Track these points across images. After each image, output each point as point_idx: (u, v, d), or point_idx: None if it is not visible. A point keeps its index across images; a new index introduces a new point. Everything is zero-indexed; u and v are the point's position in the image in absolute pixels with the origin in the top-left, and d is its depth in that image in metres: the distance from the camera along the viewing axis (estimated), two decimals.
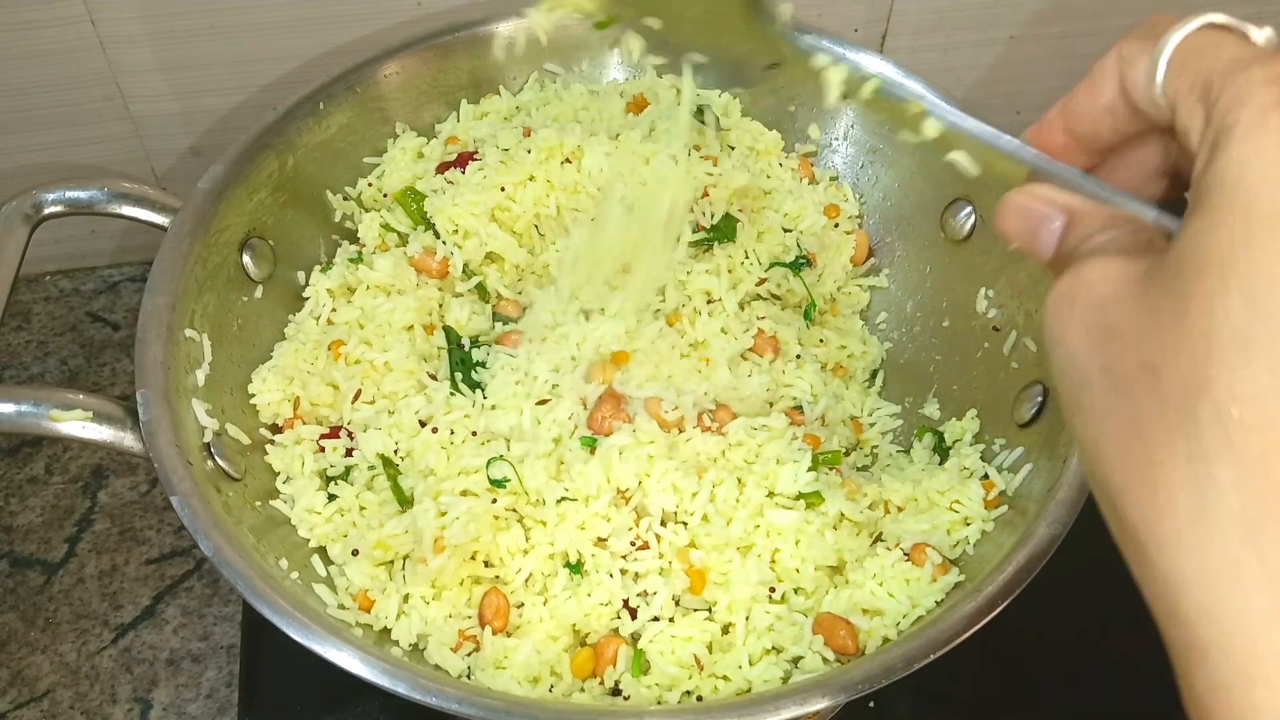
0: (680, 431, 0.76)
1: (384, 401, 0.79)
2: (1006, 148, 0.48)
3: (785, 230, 0.90)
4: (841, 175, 0.95)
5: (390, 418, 0.77)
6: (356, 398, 0.79)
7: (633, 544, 0.72)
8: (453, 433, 0.76)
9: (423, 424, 0.77)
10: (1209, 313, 0.33)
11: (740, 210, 0.88)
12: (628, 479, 0.72)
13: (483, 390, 0.78)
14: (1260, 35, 0.38)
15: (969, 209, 0.87)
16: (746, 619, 0.70)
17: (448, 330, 0.83)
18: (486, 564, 0.72)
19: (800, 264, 0.89)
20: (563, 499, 0.72)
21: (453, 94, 0.93)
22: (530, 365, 0.78)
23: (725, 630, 0.70)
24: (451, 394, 0.78)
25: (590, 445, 0.74)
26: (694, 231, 0.85)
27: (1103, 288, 0.38)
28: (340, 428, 0.79)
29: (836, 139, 0.94)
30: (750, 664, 0.68)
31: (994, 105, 1.15)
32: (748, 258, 0.87)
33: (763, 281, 0.88)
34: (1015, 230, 0.45)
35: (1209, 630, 0.33)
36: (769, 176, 0.93)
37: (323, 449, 0.77)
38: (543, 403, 0.76)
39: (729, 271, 0.86)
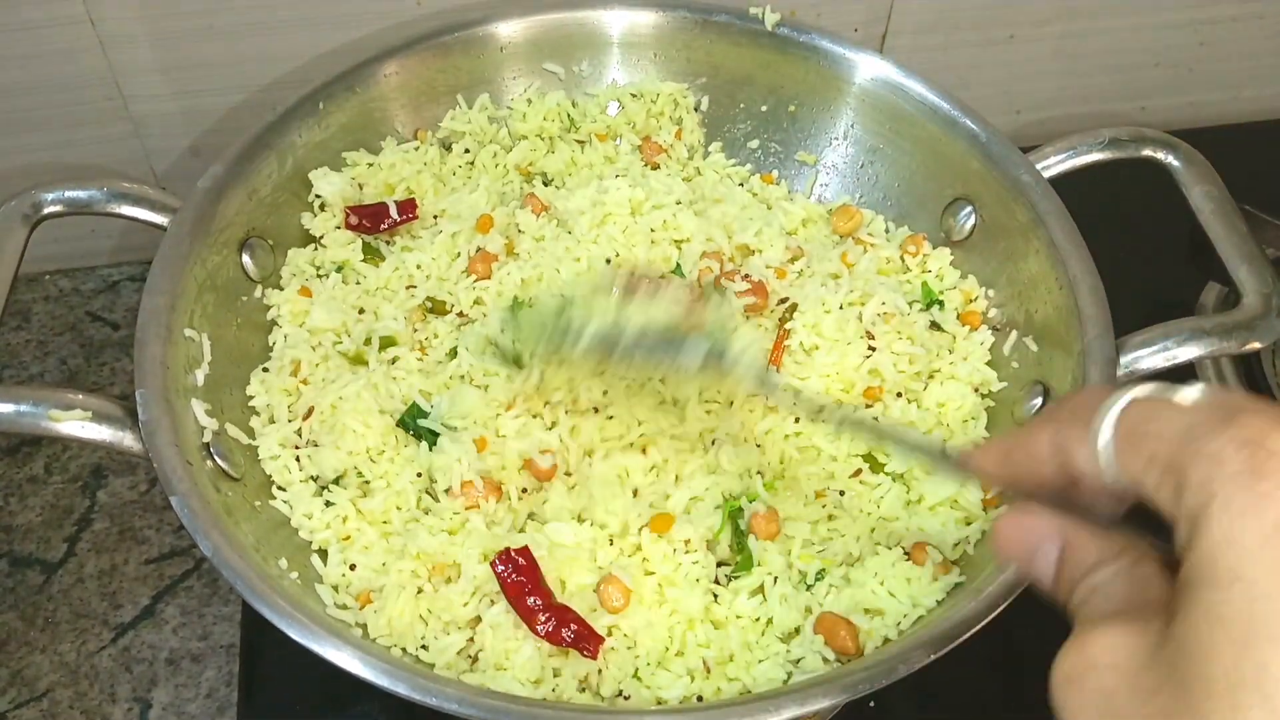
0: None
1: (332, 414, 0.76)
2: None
3: None
4: (842, 175, 0.95)
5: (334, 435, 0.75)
6: (309, 415, 0.76)
7: None
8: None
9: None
10: None
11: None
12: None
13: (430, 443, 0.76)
14: (1189, 396, 0.37)
15: (969, 209, 0.87)
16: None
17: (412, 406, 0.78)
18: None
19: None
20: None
21: (452, 94, 0.94)
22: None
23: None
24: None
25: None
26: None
27: (1109, 677, 0.36)
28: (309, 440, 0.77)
29: (836, 138, 0.94)
30: (747, 664, 0.68)
31: (994, 105, 1.15)
32: None
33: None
34: (1016, 551, 0.43)
35: None
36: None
37: (298, 459, 0.76)
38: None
39: None
